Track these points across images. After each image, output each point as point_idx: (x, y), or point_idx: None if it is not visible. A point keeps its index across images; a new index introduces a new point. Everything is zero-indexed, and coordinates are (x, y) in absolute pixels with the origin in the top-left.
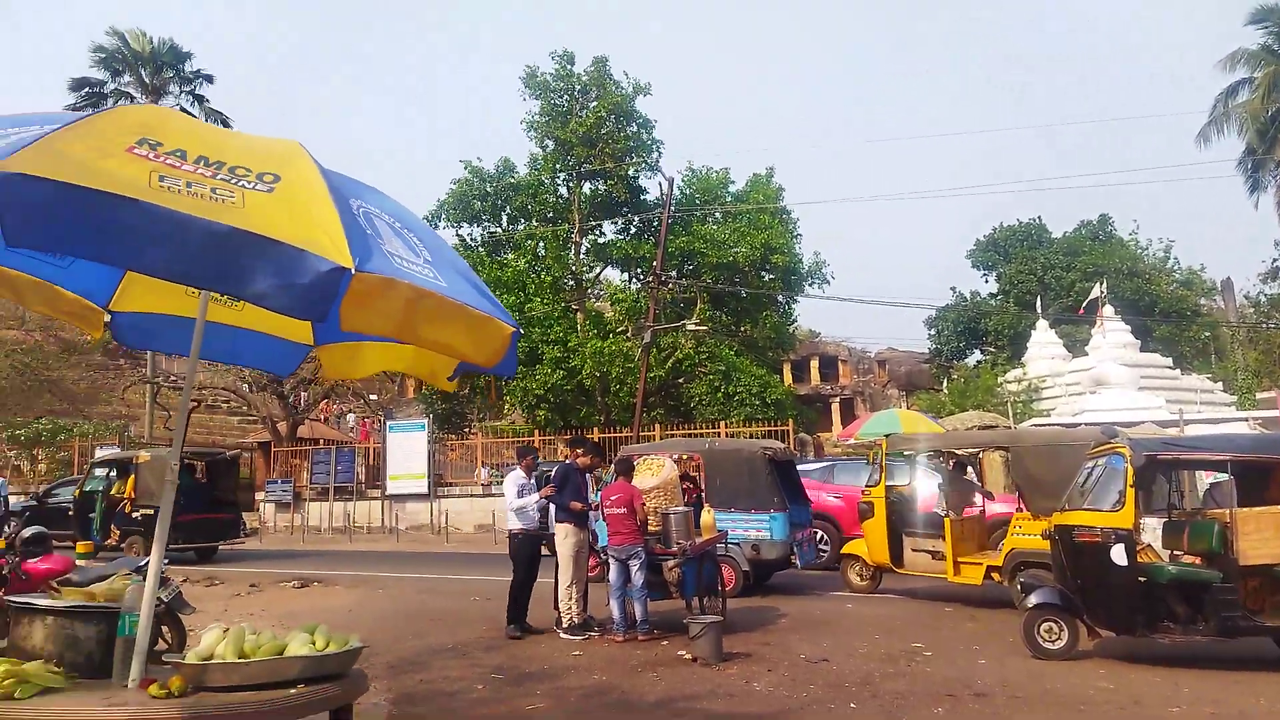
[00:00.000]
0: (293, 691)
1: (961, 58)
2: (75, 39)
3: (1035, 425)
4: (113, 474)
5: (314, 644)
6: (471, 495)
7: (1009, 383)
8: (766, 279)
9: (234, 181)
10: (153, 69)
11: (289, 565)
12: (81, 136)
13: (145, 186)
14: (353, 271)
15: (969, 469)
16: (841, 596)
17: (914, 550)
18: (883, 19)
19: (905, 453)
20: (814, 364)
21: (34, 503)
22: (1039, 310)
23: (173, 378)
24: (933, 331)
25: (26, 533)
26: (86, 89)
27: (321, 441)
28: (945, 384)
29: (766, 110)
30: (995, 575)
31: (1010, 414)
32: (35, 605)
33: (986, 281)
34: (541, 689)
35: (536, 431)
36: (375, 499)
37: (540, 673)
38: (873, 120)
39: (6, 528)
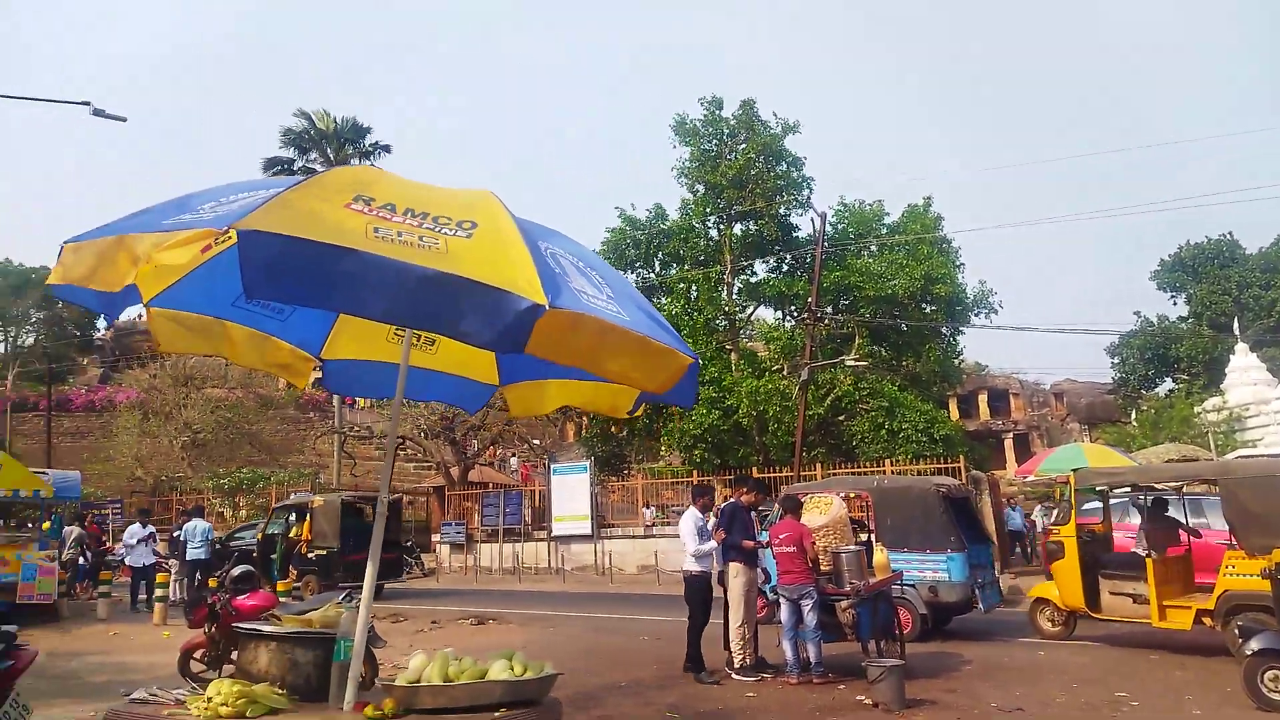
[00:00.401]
0: (496, 715)
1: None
2: (267, 122)
3: (1242, 457)
4: (292, 518)
5: (512, 670)
6: (633, 536)
7: (1207, 412)
8: (928, 311)
9: (438, 230)
10: (336, 145)
11: (465, 603)
12: (304, 197)
13: (363, 238)
14: (546, 307)
15: (1170, 505)
16: (1031, 643)
17: (1112, 593)
18: (1042, 33)
19: (1097, 488)
20: (982, 398)
21: (218, 546)
22: (1237, 333)
23: (356, 428)
24: (1116, 360)
25: (235, 572)
26: (277, 167)
27: (491, 485)
28: (1134, 415)
29: (921, 136)
30: (1206, 620)
31: (1211, 445)
32: (261, 631)
33: (1175, 304)
34: None
35: (694, 472)
36: (542, 540)
37: (715, 713)
38: (1037, 138)
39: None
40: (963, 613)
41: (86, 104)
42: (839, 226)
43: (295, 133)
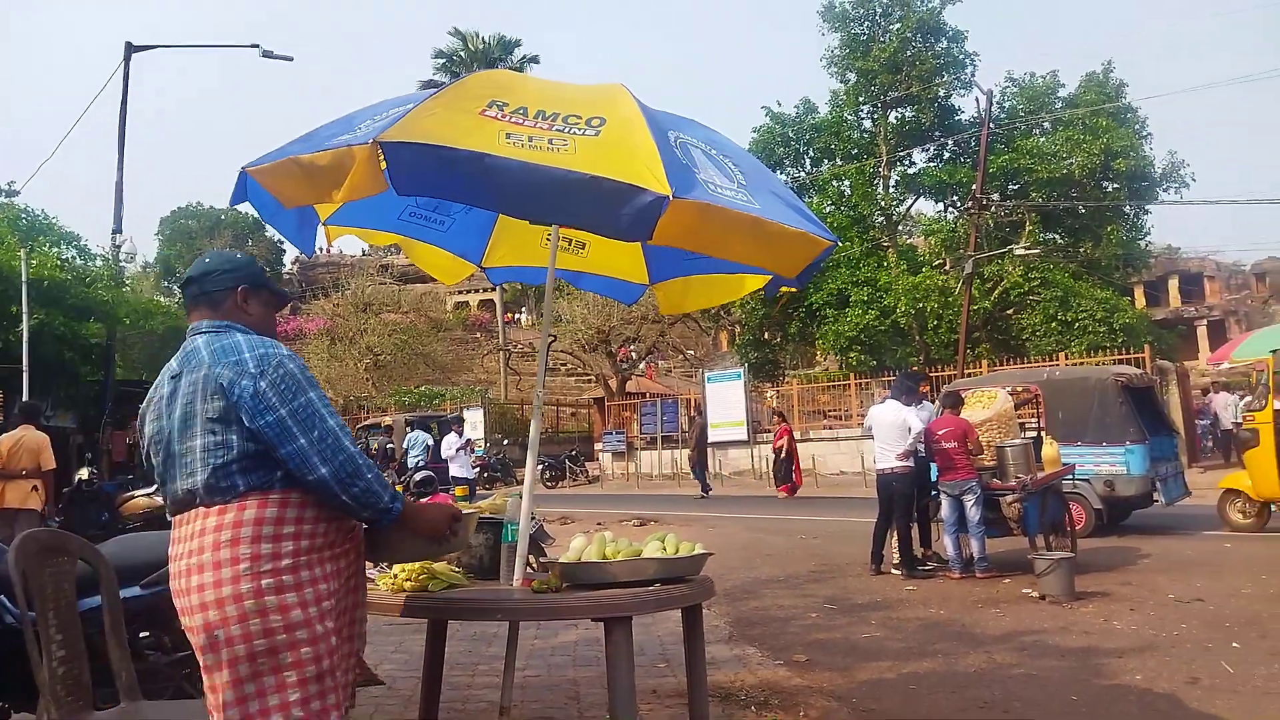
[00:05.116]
0: (652, 588)
1: None
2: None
3: None
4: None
5: (665, 550)
6: None
7: None
8: (1109, 190)
9: (567, 130)
10: (485, 64)
11: (628, 507)
12: (442, 106)
13: (495, 143)
14: (670, 198)
15: None
16: (1218, 536)
17: None
18: None
19: None
20: (1173, 283)
21: None
22: None
23: (519, 345)
24: None
25: (418, 476)
26: (433, 90)
27: (647, 395)
28: None
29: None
30: None
31: None
32: None
33: None
34: (875, 619)
35: (851, 375)
36: None
37: (873, 604)
38: None
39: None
40: (1142, 507)
41: (255, 46)
42: (1006, 105)
43: (446, 54)
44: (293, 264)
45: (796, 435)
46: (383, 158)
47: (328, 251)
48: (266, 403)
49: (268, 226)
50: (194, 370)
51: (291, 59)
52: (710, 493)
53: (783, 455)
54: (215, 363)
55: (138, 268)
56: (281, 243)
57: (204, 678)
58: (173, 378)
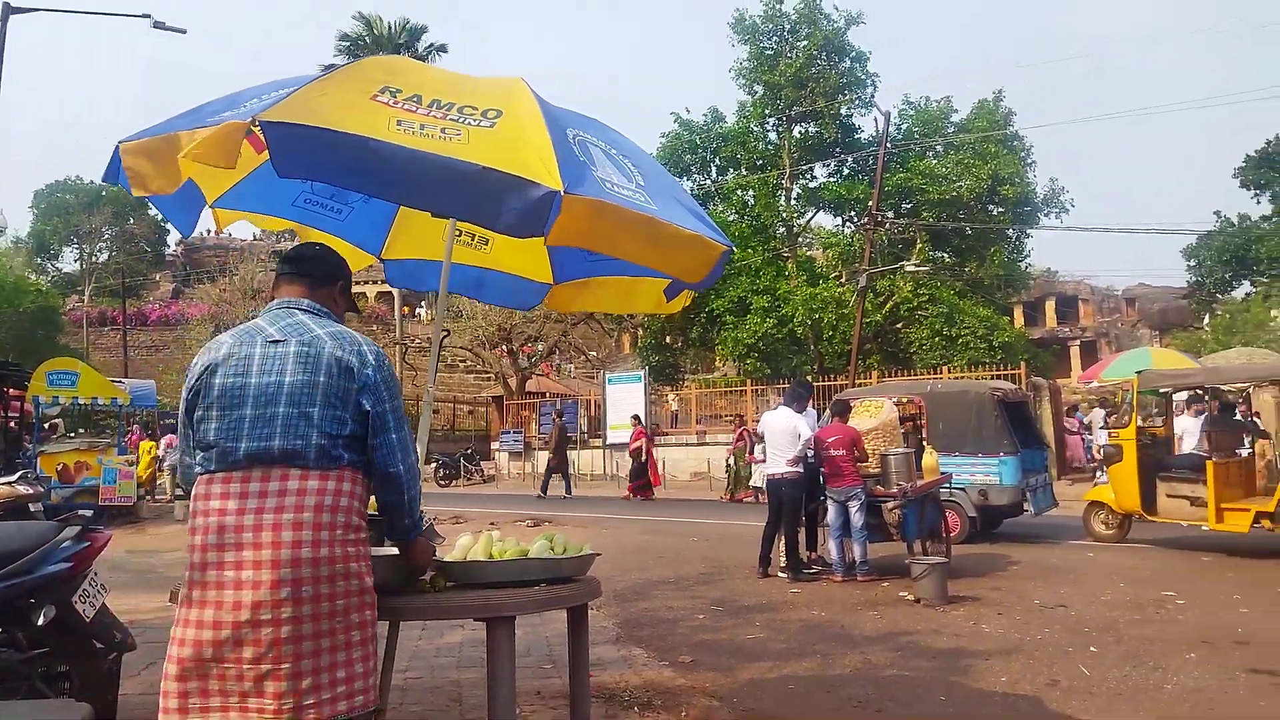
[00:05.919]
0: (536, 588)
1: None
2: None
3: None
4: None
5: (553, 550)
6: (687, 444)
7: None
8: (994, 213)
9: (461, 120)
10: (390, 50)
11: (523, 507)
12: (331, 88)
13: (384, 129)
14: (562, 194)
15: (1236, 408)
16: (1083, 545)
17: (1169, 496)
18: None
19: (1161, 390)
20: (1050, 305)
21: None
22: None
23: (417, 339)
24: (1192, 262)
25: None
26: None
27: (547, 395)
28: (1207, 320)
29: (998, 29)
30: (1266, 522)
31: None
32: None
33: (1259, 202)
34: (760, 620)
35: (748, 381)
36: (597, 448)
37: (758, 606)
38: (1119, 24)
39: None
40: (1013, 516)
41: (147, 16)
42: (903, 126)
43: (351, 38)
44: (177, 245)
45: (693, 439)
46: (258, 130)
47: (215, 234)
48: (380, 394)
49: (150, 205)
50: (309, 345)
51: (184, 31)
52: (567, 496)
53: (641, 458)
54: (339, 346)
55: (8, 243)
56: (165, 222)
57: (249, 632)
58: (271, 342)
